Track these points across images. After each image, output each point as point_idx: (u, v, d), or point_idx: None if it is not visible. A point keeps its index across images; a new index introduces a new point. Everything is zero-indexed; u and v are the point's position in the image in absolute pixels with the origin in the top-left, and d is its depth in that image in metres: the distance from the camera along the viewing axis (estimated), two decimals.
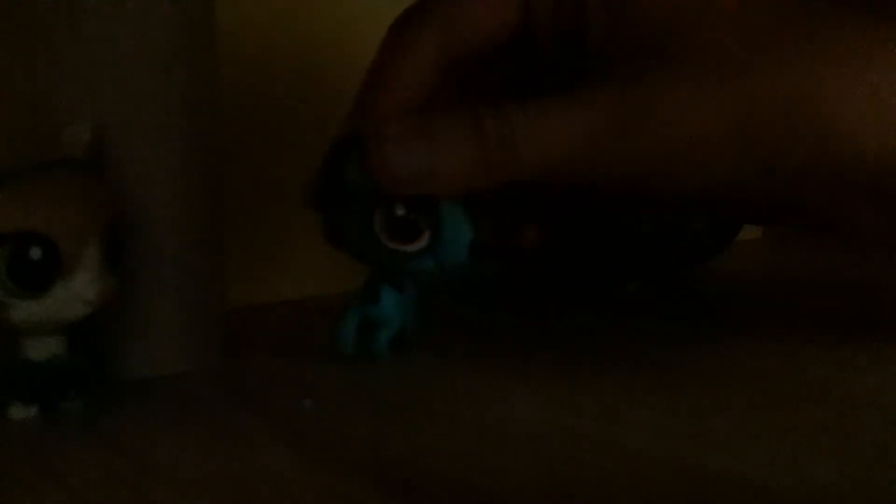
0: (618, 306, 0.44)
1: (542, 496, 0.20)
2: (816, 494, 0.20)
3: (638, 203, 0.36)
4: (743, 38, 0.27)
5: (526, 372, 0.31)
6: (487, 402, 0.28)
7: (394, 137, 0.27)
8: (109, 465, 0.23)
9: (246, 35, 0.45)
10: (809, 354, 0.33)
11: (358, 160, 0.29)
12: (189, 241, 0.32)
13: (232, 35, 0.41)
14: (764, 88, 0.26)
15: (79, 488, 0.21)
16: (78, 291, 0.26)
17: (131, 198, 0.30)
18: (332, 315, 0.33)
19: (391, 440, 0.24)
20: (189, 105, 0.32)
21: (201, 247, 0.33)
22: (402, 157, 0.27)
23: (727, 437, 0.24)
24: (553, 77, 0.32)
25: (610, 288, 0.48)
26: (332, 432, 0.25)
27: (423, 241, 0.30)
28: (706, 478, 0.21)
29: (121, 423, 0.27)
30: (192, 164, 0.32)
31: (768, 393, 0.28)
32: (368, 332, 0.32)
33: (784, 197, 0.28)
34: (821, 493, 0.20)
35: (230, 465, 0.23)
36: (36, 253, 0.25)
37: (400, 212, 0.29)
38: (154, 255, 0.31)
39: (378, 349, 0.32)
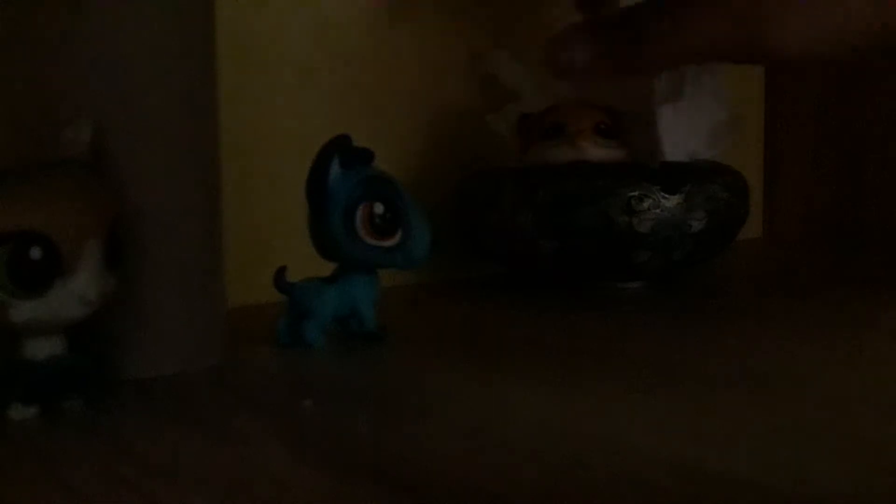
0: (618, 306, 0.44)
1: (541, 496, 0.20)
2: (816, 494, 0.20)
3: None
4: None
5: (526, 372, 0.31)
6: (487, 401, 0.28)
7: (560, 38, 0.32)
8: (109, 465, 0.23)
9: (246, 35, 0.45)
10: (809, 354, 0.33)
11: (341, 160, 0.33)
12: (189, 241, 0.32)
13: (232, 35, 0.41)
14: None
15: (79, 488, 0.21)
16: (78, 291, 0.26)
17: (131, 198, 0.30)
18: None
19: (391, 440, 0.24)
20: (189, 105, 0.32)
21: (201, 246, 0.33)
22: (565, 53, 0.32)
23: (727, 437, 0.24)
24: None
25: (610, 288, 0.48)
26: (332, 432, 0.25)
27: (397, 238, 0.34)
28: (706, 478, 0.21)
29: (121, 423, 0.27)
30: (191, 164, 0.32)
31: (768, 393, 0.28)
32: (299, 323, 0.35)
33: None
34: (821, 493, 0.20)
35: (230, 465, 0.23)
36: (36, 253, 0.25)
37: (379, 210, 0.33)
38: (154, 255, 0.31)
39: (308, 338, 0.35)
